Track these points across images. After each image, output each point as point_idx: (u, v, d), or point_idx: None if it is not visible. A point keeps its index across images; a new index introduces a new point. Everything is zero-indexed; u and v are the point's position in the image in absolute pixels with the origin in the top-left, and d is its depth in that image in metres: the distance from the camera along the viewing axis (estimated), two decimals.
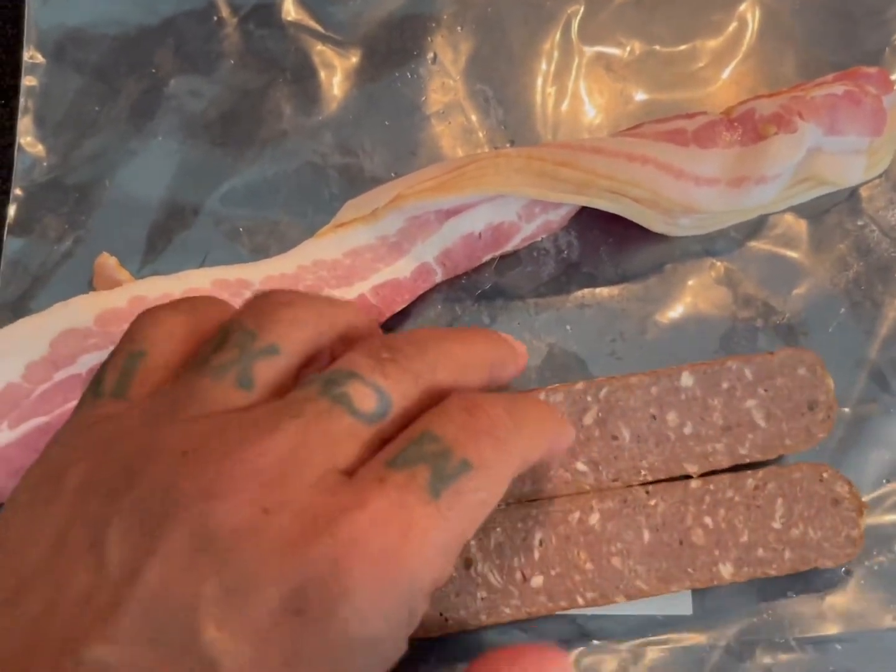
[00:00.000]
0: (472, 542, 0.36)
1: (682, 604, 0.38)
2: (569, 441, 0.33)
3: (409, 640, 0.24)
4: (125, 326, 0.34)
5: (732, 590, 0.38)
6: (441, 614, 0.36)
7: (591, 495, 0.36)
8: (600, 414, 0.37)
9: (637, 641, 0.38)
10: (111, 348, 0.34)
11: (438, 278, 0.40)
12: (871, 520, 0.39)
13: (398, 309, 0.39)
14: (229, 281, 0.37)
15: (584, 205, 0.39)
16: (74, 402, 0.33)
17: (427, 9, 0.44)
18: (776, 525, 0.37)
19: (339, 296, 0.38)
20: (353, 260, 0.38)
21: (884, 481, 0.39)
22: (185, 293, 0.36)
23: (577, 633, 0.38)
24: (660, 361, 0.40)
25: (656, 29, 0.45)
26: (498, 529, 0.36)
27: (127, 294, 0.35)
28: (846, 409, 0.40)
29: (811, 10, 0.45)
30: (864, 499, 0.38)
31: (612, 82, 0.44)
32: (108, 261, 0.37)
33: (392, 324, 0.40)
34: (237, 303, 0.37)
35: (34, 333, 0.32)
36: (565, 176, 0.38)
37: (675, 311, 0.41)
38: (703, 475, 0.37)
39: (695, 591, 0.38)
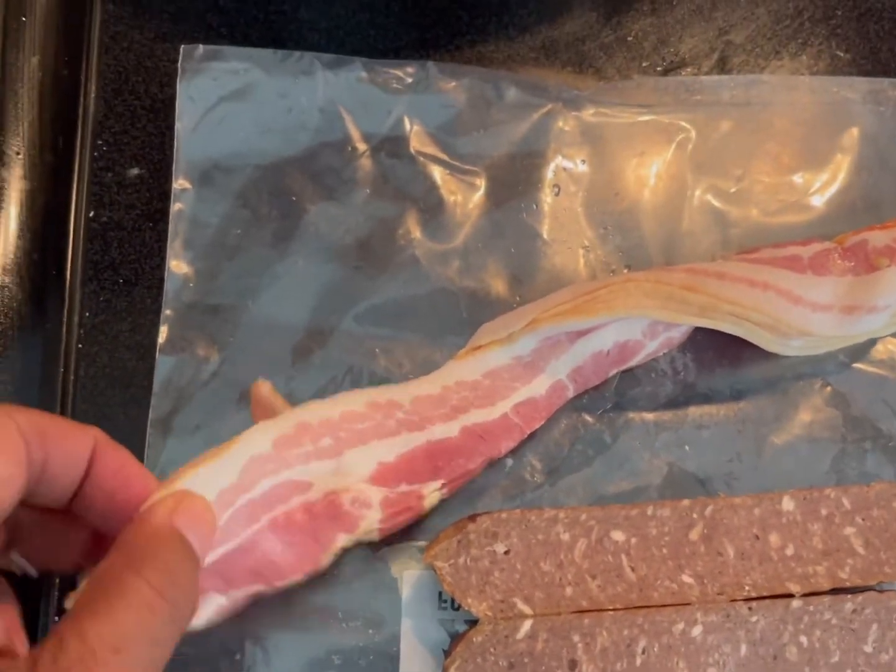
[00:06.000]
0: (580, 645, 0.38)
1: None
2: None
3: None
4: (295, 451, 0.37)
5: None
6: None
7: (695, 608, 0.39)
8: (706, 530, 0.40)
9: None
10: (284, 472, 0.37)
11: (570, 394, 0.43)
12: None
13: (537, 426, 0.42)
14: (380, 403, 0.40)
15: (708, 326, 0.42)
16: (254, 527, 0.36)
17: (547, 143, 0.47)
18: (867, 649, 0.39)
19: (484, 415, 0.41)
20: (492, 381, 0.41)
21: None
22: (342, 416, 0.39)
23: None
24: (775, 482, 0.42)
25: (760, 159, 0.48)
26: (605, 633, 0.38)
27: (293, 420, 0.38)
28: None
29: None
30: None
31: (721, 206, 0.47)
32: (263, 387, 0.40)
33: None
34: (390, 424, 0.39)
35: (226, 462, 0.35)
36: (691, 300, 0.41)
37: (789, 433, 0.44)
38: (804, 595, 0.39)
39: None
